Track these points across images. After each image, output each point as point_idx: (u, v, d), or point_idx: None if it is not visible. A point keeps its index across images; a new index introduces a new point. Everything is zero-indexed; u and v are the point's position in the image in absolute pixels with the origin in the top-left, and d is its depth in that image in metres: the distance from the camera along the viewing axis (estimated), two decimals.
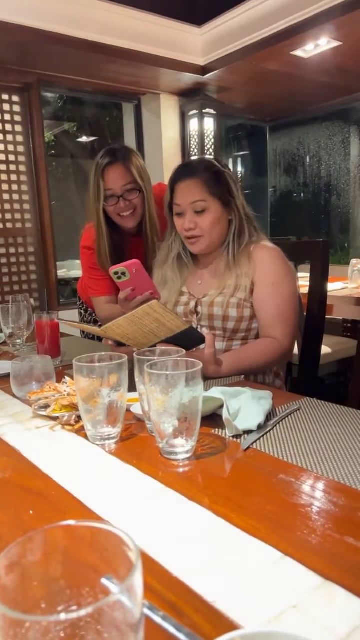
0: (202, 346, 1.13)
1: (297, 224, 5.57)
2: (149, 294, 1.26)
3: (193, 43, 3.63)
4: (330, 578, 0.47)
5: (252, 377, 1.28)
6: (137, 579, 0.29)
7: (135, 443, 0.83)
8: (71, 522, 0.32)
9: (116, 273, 1.23)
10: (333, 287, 3.05)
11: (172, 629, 0.32)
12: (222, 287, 1.33)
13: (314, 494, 0.64)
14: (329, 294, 2.87)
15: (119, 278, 1.24)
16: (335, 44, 3.19)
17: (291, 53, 3.33)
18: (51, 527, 0.32)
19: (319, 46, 3.23)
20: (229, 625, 0.42)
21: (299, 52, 3.33)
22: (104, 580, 0.34)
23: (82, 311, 2.16)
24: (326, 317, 2.86)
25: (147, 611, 0.34)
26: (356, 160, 4.77)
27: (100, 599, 0.30)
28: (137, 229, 1.66)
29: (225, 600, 0.45)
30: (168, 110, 4.14)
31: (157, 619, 0.33)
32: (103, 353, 0.84)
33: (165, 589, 0.47)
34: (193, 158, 4.09)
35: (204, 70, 3.70)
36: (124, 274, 1.23)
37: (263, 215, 5.60)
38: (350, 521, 0.57)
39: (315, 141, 5.11)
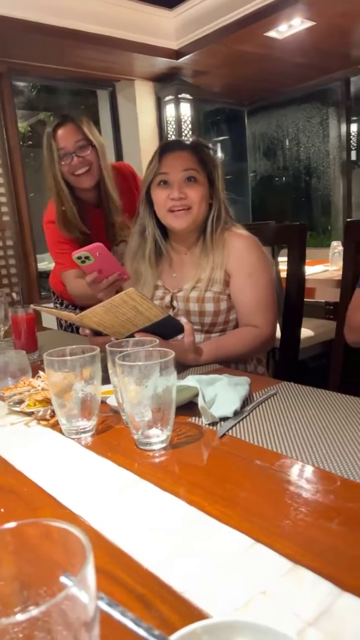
0: (180, 336, 1.12)
1: (278, 208, 5.57)
2: (117, 275, 1.24)
3: (165, 26, 3.57)
4: (300, 562, 0.47)
5: (232, 365, 1.28)
6: (89, 574, 0.29)
7: (111, 435, 0.82)
8: (22, 521, 0.31)
9: (79, 257, 1.20)
10: (314, 270, 3.05)
11: (130, 624, 0.32)
12: (196, 280, 1.29)
13: (288, 478, 0.64)
14: (310, 277, 2.91)
15: (83, 262, 1.21)
16: (308, 23, 3.16)
17: (265, 34, 3.29)
18: (1, 529, 0.31)
19: (292, 26, 3.20)
20: (198, 615, 0.41)
21: (272, 33, 3.29)
22: (62, 579, 0.34)
23: (58, 305, 2.13)
24: (308, 300, 2.88)
25: (105, 607, 0.33)
26: (335, 141, 4.76)
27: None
28: (95, 196, 1.67)
29: (195, 590, 0.44)
30: (143, 96, 4.08)
31: (116, 615, 0.33)
32: (75, 346, 0.83)
33: (135, 582, 0.46)
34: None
35: (177, 54, 3.64)
36: (87, 257, 1.20)
37: (245, 200, 5.58)
38: (323, 504, 0.57)
39: (294, 124, 5.09)
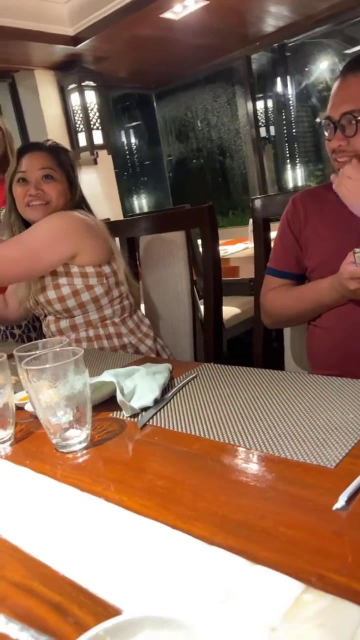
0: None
1: (197, 190, 5.60)
2: None
3: (59, 12, 3.45)
4: (215, 542, 0.48)
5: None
6: None
7: (30, 442, 0.80)
8: None
9: None
10: (236, 249, 3.12)
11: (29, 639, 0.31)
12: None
13: (206, 460, 0.65)
14: (233, 256, 2.96)
15: None
16: (202, 3, 3.17)
17: (161, 16, 3.26)
18: None
19: (187, 7, 3.19)
20: (114, 613, 0.41)
21: (168, 15, 3.27)
22: None
23: None
24: (233, 279, 2.94)
25: (3, 626, 0.32)
26: (244, 119, 4.84)
27: None
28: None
29: (110, 588, 0.44)
30: (45, 86, 3.94)
31: (13, 633, 0.32)
32: None
33: (52, 591, 0.45)
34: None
35: (74, 40, 3.54)
36: None
37: (163, 185, 5.57)
38: (238, 481, 0.58)
39: (202, 105, 5.11)
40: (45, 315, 1.43)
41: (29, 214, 1.37)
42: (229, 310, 2.63)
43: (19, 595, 0.45)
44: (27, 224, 1.41)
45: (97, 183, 4.29)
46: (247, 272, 2.90)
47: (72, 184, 1.40)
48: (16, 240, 1.34)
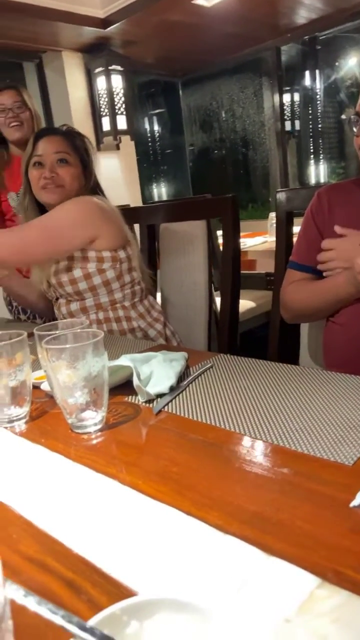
0: None
1: (218, 181, 5.56)
2: None
3: None
4: (229, 531, 0.48)
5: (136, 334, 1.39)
6: None
7: (45, 421, 0.80)
8: None
9: None
10: (254, 242, 3.09)
11: (47, 613, 0.32)
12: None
13: (221, 449, 0.64)
14: (251, 249, 2.94)
15: None
16: None
17: (193, 2, 3.22)
18: None
19: None
20: (127, 595, 0.41)
21: (200, 1, 3.23)
22: None
23: (10, 299, 2.07)
24: (249, 272, 2.92)
25: (20, 598, 0.32)
26: (270, 112, 4.78)
27: None
28: (25, 144, 1.94)
29: (124, 570, 0.44)
30: (72, 69, 3.92)
31: (31, 605, 0.32)
32: (1, 332, 0.80)
33: (65, 568, 0.46)
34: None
35: (104, 23, 3.51)
36: None
37: (184, 174, 5.54)
38: (253, 472, 0.58)
39: (228, 95, 5.06)
40: (57, 298, 1.44)
41: (44, 197, 1.38)
42: (244, 304, 2.62)
43: (33, 570, 0.46)
44: (41, 208, 1.43)
45: (118, 169, 4.27)
46: (264, 266, 2.88)
47: (87, 168, 1.42)
48: (37, 224, 1.34)
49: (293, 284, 1.22)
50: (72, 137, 1.41)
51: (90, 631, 0.30)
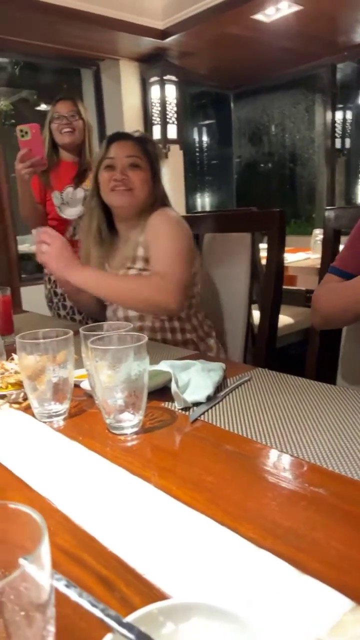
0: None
1: (263, 194, 5.54)
2: (39, 158, 1.59)
3: (152, 5, 3.50)
4: (263, 545, 0.48)
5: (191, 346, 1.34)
6: (44, 555, 0.29)
7: (83, 419, 0.82)
8: None
9: (21, 130, 1.51)
10: (296, 258, 3.07)
11: (87, 605, 0.32)
12: (122, 261, 1.39)
13: (257, 463, 0.64)
14: (292, 265, 2.92)
15: (22, 136, 1.52)
16: (296, 7, 3.13)
17: (252, 17, 3.24)
18: None
19: (279, 10, 3.16)
20: (159, 597, 0.42)
21: (260, 16, 3.25)
22: (21, 560, 0.34)
23: (52, 295, 2.12)
24: (290, 287, 2.89)
25: (62, 588, 0.34)
26: (320, 129, 4.75)
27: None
28: (73, 154, 2.12)
29: (157, 572, 0.45)
30: (128, 77, 4.01)
31: (73, 596, 0.33)
32: (48, 329, 0.83)
33: (99, 564, 0.47)
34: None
35: (163, 34, 3.58)
36: (26, 132, 1.51)
37: (229, 186, 5.55)
38: (288, 489, 0.58)
39: (280, 109, 5.05)
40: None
41: (112, 199, 1.38)
42: (282, 319, 2.60)
43: (69, 564, 0.47)
44: (106, 211, 1.44)
45: (165, 177, 4.32)
46: (305, 282, 2.85)
47: (156, 175, 1.43)
48: (170, 256, 1.31)
49: (327, 285, 1.20)
50: (144, 142, 1.42)
51: (128, 627, 0.30)
